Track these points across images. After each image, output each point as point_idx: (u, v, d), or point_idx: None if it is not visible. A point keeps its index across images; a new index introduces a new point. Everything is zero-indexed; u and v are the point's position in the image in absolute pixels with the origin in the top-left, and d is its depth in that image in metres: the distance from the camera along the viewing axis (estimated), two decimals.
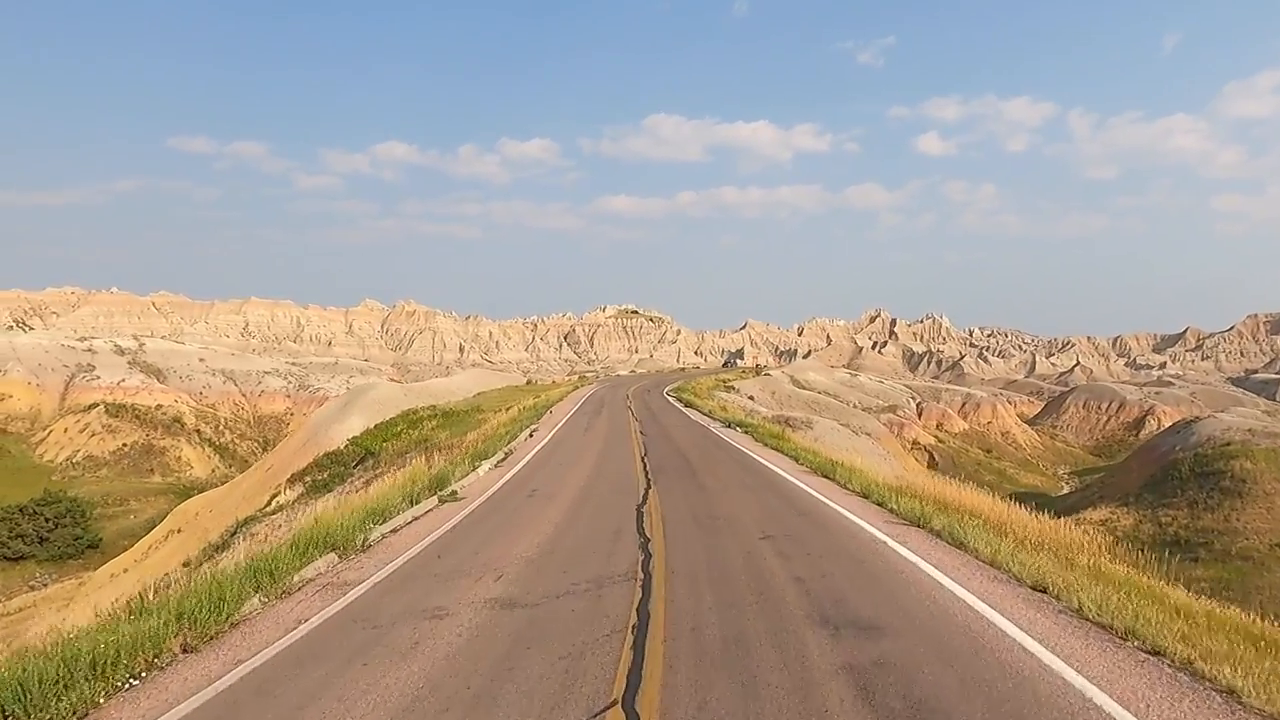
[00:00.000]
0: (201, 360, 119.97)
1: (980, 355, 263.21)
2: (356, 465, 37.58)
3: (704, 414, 36.56)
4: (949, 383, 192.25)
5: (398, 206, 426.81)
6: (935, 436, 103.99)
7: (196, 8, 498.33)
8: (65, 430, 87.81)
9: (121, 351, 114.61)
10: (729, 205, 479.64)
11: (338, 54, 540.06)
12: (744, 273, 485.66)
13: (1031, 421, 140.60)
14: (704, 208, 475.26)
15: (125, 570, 40.94)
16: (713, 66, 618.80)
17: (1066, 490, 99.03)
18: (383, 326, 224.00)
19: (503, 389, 60.94)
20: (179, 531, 42.84)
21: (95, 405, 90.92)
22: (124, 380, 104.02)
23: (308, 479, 38.19)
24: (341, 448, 39.37)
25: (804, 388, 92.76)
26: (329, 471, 37.72)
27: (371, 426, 40.87)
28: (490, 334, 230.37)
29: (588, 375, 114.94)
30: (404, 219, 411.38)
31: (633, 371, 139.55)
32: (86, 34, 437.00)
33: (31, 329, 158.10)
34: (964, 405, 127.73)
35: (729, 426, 29.06)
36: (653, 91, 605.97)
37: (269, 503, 39.57)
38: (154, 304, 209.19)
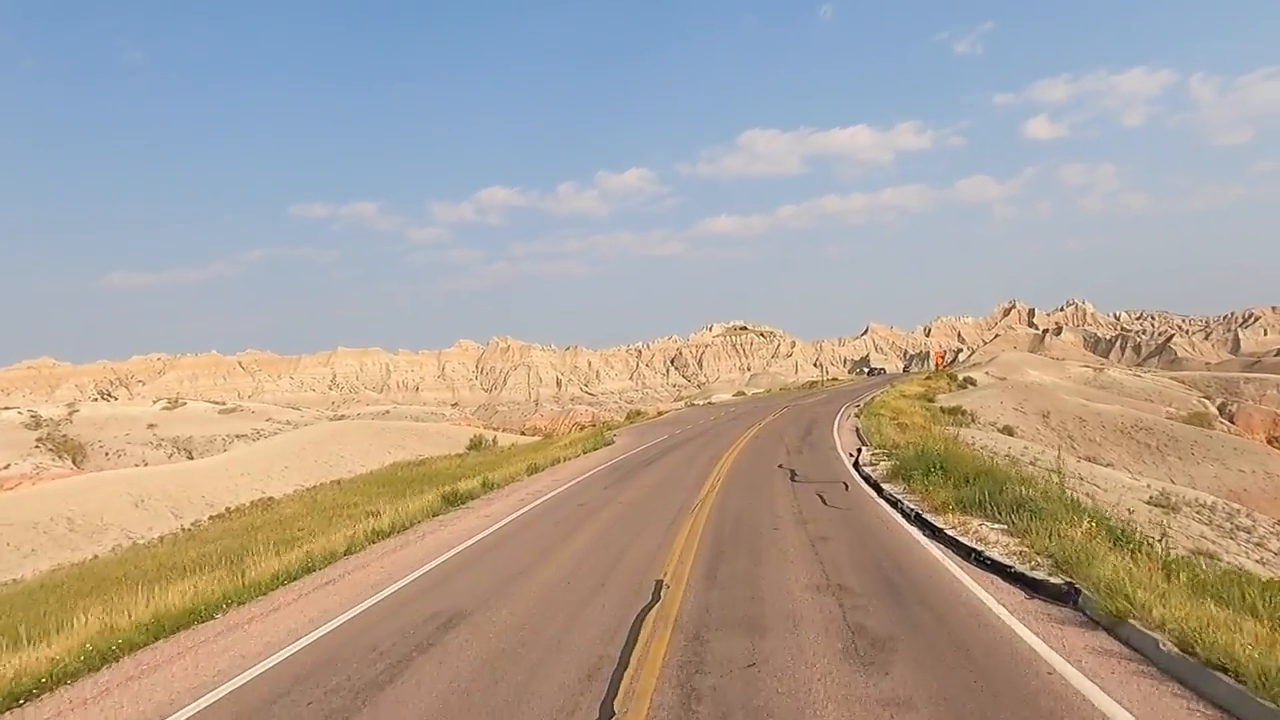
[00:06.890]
0: (151, 427, 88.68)
1: (1185, 336, 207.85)
2: None
3: None
4: (1159, 369, 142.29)
5: (505, 250, 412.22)
6: None
7: (301, 79, 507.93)
8: None
9: (38, 423, 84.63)
10: (832, 214, 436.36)
11: (436, 111, 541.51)
12: (855, 279, 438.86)
13: None
14: (806, 219, 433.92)
15: None
16: (804, 76, 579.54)
17: None
18: (477, 366, 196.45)
19: (369, 475, 22.47)
20: None
21: None
22: (10, 466, 72.93)
23: None
24: None
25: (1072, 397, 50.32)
26: None
27: None
28: (590, 364, 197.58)
29: (643, 412, 75.28)
30: (512, 260, 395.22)
31: (740, 393, 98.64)
32: (219, 118, 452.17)
33: (115, 399, 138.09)
34: None
35: None
36: (745, 108, 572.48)
37: None
38: (240, 363, 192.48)
